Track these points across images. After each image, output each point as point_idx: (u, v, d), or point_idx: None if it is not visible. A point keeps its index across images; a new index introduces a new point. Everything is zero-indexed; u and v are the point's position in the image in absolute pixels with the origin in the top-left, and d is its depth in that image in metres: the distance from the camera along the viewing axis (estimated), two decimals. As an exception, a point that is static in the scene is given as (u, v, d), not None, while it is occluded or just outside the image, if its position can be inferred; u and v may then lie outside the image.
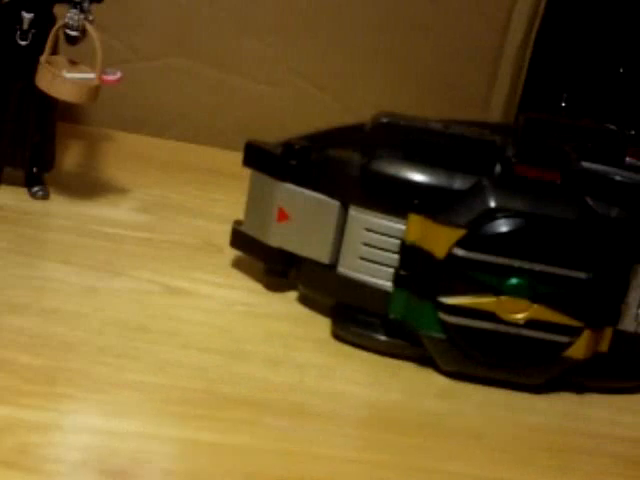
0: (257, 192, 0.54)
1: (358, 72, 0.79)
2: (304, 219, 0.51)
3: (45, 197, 0.59)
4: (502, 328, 0.48)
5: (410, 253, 0.48)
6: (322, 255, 0.51)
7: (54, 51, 0.58)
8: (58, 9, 0.58)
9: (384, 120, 0.50)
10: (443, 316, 0.48)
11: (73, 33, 0.56)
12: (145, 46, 0.73)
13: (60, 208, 0.59)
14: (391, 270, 0.50)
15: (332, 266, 0.52)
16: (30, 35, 0.57)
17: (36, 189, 0.58)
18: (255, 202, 0.54)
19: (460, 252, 0.47)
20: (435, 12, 0.73)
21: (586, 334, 0.48)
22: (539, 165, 0.48)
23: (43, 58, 0.57)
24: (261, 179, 0.53)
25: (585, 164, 0.49)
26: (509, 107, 0.78)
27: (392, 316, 0.50)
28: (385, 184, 0.49)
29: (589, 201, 0.48)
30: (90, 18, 0.56)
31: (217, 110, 0.80)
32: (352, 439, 0.43)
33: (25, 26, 0.57)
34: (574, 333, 0.48)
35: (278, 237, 0.52)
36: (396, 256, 0.49)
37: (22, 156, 0.59)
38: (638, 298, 0.49)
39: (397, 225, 0.49)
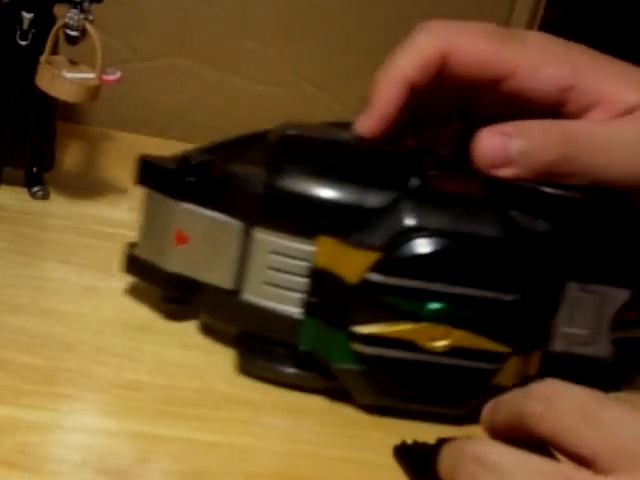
0: (152, 213, 0.46)
1: (358, 72, 0.79)
2: (204, 242, 0.45)
3: (45, 197, 0.57)
4: (422, 357, 0.42)
5: (320, 278, 0.42)
6: (224, 281, 0.44)
7: (54, 51, 0.55)
8: (58, 9, 0.55)
9: (290, 132, 0.43)
10: (357, 347, 0.42)
11: (73, 33, 0.54)
12: (145, 46, 0.69)
13: (60, 208, 0.56)
14: (300, 296, 0.43)
15: (236, 292, 0.44)
16: (30, 35, 0.55)
17: (36, 189, 0.57)
18: (150, 224, 0.46)
19: (375, 277, 0.41)
20: (435, 12, 0.67)
21: (513, 359, 0.43)
22: (459, 178, 0.43)
23: (43, 58, 0.54)
24: (156, 198, 0.46)
25: None
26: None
27: (302, 347, 0.43)
28: (291, 203, 0.42)
29: (514, 215, 0.42)
30: (90, 18, 0.54)
31: (217, 110, 0.78)
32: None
33: (25, 26, 0.55)
34: (500, 359, 0.43)
35: (176, 262, 0.45)
36: (305, 281, 0.43)
37: (22, 156, 0.57)
38: (568, 315, 0.44)
39: (306, 247, 0.43)
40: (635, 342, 0.47)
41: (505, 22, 0.72)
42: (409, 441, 0.41)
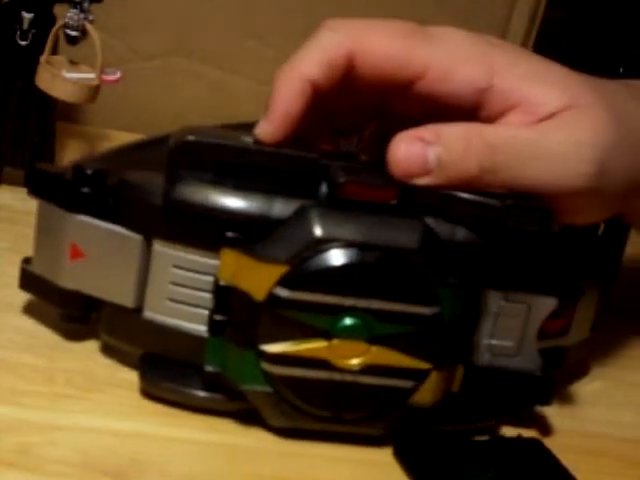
0: (46, 226, 0.42)
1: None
2: (101, 257, 0.41)
3: (45, 197, 0.63)
4: (336, 376, 0.39)
5: (225, 294, 0.38)
6: (124, 298, 0.41)
7: (54, 51, 0.54)
8: (58, 9, 0.54)
9: (190, 138, 0.39)
10: (267, 366, 0.38)
11: (73, 33, 0.53)
12: (145, 46, 0.67)
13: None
14: (206, 313, 0.39)
15: (137, 310, 0.41)
16: (30, 35, 0.54)
17: (36, 189, 0.62)
18: (44, 237, 0.42)
19: (282, 292, 0.37)
20: (439, 12, 0.67)
21: (434, 376, 0.39)
22: (371, 184, 0.39)
23: (43, 58, 0.53)
24: (50, 210, 0.41)
25: None
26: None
27: (209, 368, 0.39)
28: (191, 214, 0.39)
29: (431, 223, 0.39)
30: (90, 18, 0.53)
31: (217, 110, 0.79)
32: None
33: (25, 26, 0.54)
34: (420, 376, 0.39)
35: (72, 278, 0.41)
36: (211, 297, 0.39)
37: (22, 156, 0.56)
38: (491, 327, 0.41)
39: (210, 261, 0.39)
40: (562, 352, 0.44)
41: (505, 22, 0.72)
42: (410, 442, 0.40)
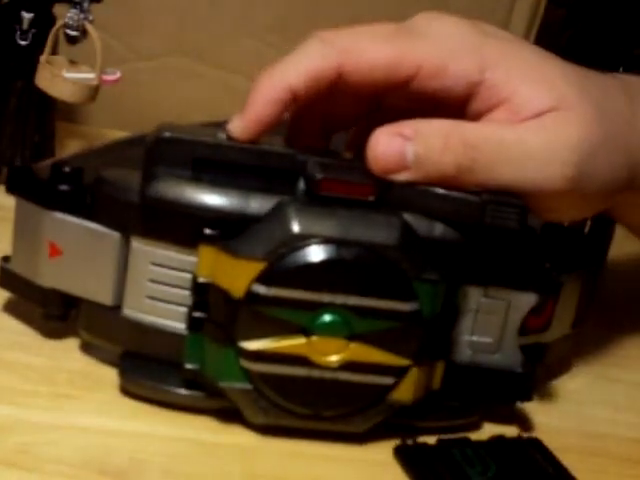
0: (24, 223, 0.42)
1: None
2: (79, 254, 0.40)
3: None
4: (315, 373, 0.38)
5: (203, 291, 0.38)
6: (103, 295, 0.40)
7: (54, 51, 0.54)
8: (58, 9, 0.54)
9: (166, 135, 0.39)
10: (246, 364, 0.38)
11: (73, 33, 0.53)
12: (145, 46, 0.67)
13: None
14: (185, 310, 0.39)
15: (116, 308, 0.40)
16: (30, 35, 0.54)
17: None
18: (23, 235, 0.42)
19: (260, 289, 0.37)
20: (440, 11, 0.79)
21: (414, 372, 0.39)
22: (348, 180, 0.38)
23: (43, 58, 0.53)
24: (27, 208, 0.41)
25: None
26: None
27: (188, 365, 0.39)
28: (169, 211, 0.38)
29: (409, 219, 0.38)
30: (90, 18, 0.53)
31: (217, 110, 0.79)
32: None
33: (25, 26, 0.54)
34: (399, 373, 0.39)
35: (51, 276, 0.41)
36: (189, 294, 0.39)
37: (22, 156, 0.56)
38: (471, 323, 0.41)
39: (188, 257, 0.39)
40: (543, 348, 0.44)
41: (505, 21, 0.72)
42: (410, 442, 0.40)
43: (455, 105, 0.41)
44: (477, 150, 0.39)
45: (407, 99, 0.41)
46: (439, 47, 0.40)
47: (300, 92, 0.40)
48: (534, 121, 0.39)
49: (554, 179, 0.39)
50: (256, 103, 0.40)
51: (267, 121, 0.40)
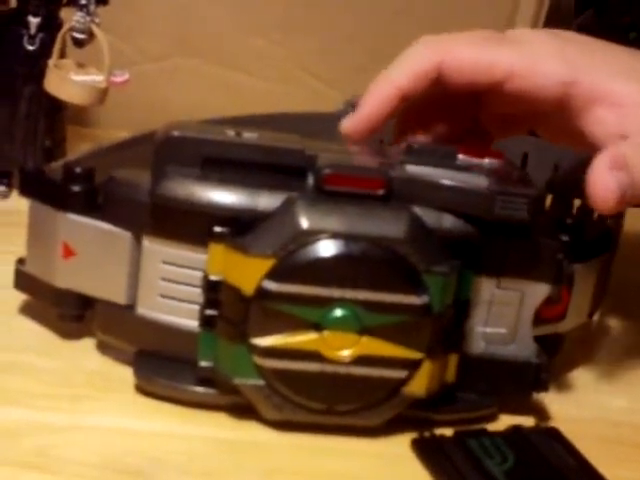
0: (38, 225, 0.42)
1: (364, 67, 0.79)
2: (92, 254, 0.41)
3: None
4: (328, 368, 0.38)
5: (215, 289, 0.38)
6: (117, 295, 0.40)
7: (62, 54, 0.55)
8: (65, 13, 0.55)
9: (175, 133, 0.39)
10: (258, 360, 0.38)
11: (80, 36, 0.54)
12: (152, 47, 0.68)
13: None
14: (197, 308, 0.39)
15: (130, 307, 0.40)
16: (38, 39, 0.55)
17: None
18: (37, 237, 0.42)
19: (271, 285, 0.37)
20: (447, 8, 0.68)
21: (427, 365, 0.39)
22: (356, 175, 0.38)
23: (51, 62, 0.54)
24: (41, 210, 0.42)
25: (410, 168, 0.39)
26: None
27: (202, 363, 0.39)
28: (178, 210, 0.38)
29: (418, 212, 0.38)
30: (97, 21, 0.54)
31: (226, 109, 0.79)
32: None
33: (32, 31, 0.55)
34: (412, 366, 0.38)
35: (65, 277, 0.41)
36: (201, 292, 0.39)
37: (33, 160, 0.56)
38: (484, 315, 0.41)
39: (199, 256, 0.38)
40: (558, 339, 0.44)
41: (511, 15, 0.72)
42: (427, 434, 0.39)
43: (549, 108, 0.43)
44: None
45: (504, 104, 0.45)
46: (529, 50, 0.43)
47: (406, 90, 0.43)
48: None
49: None
50: (367, 102, 0.43)
51: (377, 118, 0.43)
